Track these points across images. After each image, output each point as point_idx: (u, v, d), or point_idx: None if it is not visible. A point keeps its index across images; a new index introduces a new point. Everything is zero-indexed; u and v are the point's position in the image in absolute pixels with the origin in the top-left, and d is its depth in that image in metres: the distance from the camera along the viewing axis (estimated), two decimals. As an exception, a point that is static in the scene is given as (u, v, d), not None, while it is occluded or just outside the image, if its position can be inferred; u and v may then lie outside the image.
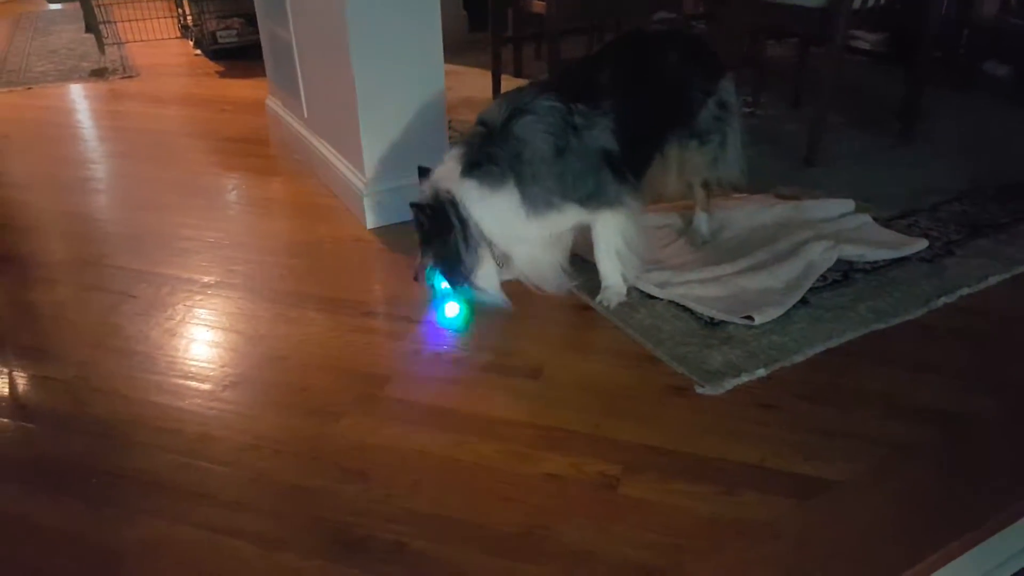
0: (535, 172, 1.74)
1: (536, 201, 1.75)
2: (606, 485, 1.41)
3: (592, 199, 1.80)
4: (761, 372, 1.65)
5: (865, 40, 3.94)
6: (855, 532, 1.29)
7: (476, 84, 3.68)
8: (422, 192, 1.81)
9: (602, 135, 1.78)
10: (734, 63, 2.77)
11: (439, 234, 1.79)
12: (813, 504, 1.34)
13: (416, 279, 1.94)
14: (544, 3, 2.87)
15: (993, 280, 1.95)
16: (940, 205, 2.36)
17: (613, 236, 1.87)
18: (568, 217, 1.82)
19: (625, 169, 1.82)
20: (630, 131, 1.80)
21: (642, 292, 1.93)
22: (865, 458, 1.44)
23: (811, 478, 1.40)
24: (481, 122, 1.80)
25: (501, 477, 1.43)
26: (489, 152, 1.75)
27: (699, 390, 1.62)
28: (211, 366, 1.77)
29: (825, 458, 1.44)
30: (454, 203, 1.76)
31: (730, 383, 1.62)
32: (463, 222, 1.76)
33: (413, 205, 1.81)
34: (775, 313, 1.80)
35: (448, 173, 1.78)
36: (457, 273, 1.82)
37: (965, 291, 1.91)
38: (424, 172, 1.84)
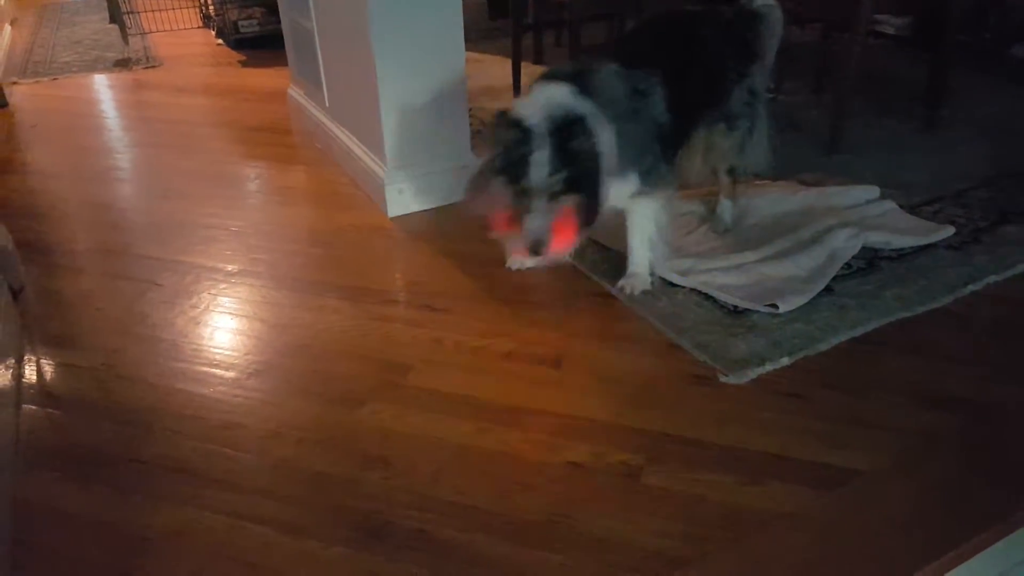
0: (620, 128, 1.64)
1: (620, 159, 1.65)
2: (628, 474, 1.41)
3: (649, 175, 1.74)
4: (785, 361, 1.64)
5: (890, 24, 3.87)
6: (878, 524, 1.28)
7: (497, 72, 3.66)
8: (520, 115, 1.57)
9: (658, 105, 1.72)
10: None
11: (573, 162, 1.56)
12: (836, 495, 1.33)
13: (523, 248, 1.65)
14: (564, -10, 2.84)
15: (1022, 268, 1.92)
16: (966, 191, 2.32)
17: (649, 221, 1.84)
18: (623, 191, 1.74)
19: (670, 148, 1.79)
20: (673, 108, 1.74)
21: (664, 280, 1.92)
22: (889, 448, 1.43)
23: (835, 468, 1.39)
24: (552, 75, 1.68)
25: (523, 466, 1.43)
26: (590, 91, 1.61)
27: (723, 379, 1.61)
28: (235, 354, 1.79)
29: (849, 448, 1.43)
30: (585, 126, 1.56)
31: (754, 372, 1.61)
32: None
33: (516, 125, 1.55)
34: (799, 301, 1.78)
35: (561, 97, 1.60)
36: (594, 212, 1.62)
37: (993, 279, 1.88)
38: (502, 115, 1.61)
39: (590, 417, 1.55)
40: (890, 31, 3.85)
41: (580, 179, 1.58)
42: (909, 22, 3.85)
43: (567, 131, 1.55)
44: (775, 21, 1.99)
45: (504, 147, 1.59)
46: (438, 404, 1.59)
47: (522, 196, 1.59)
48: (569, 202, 1.60)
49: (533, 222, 1.59)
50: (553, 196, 1.58)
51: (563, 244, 1.67)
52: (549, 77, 1.68)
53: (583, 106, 1.59)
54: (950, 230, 2.05)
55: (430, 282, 2.03)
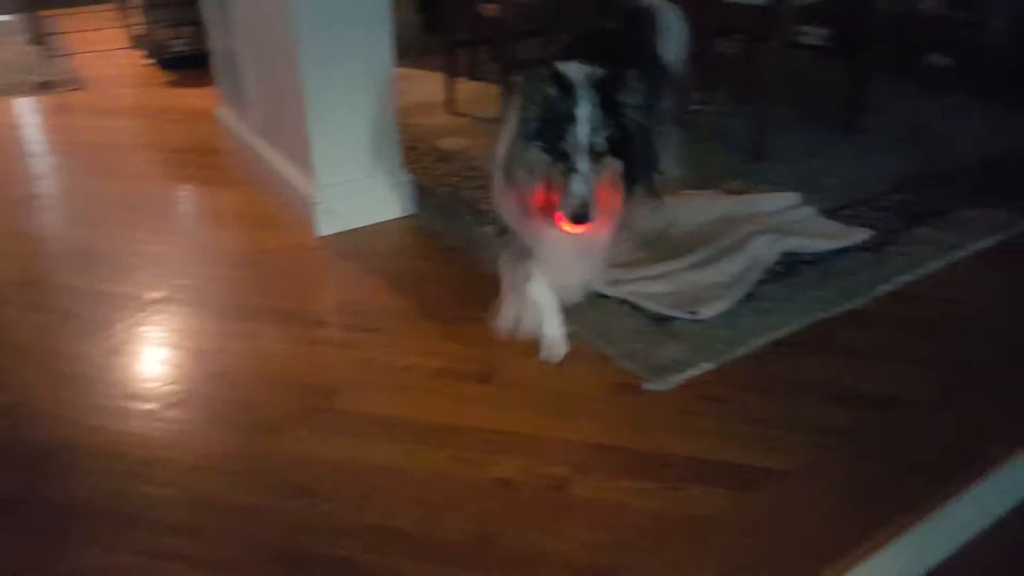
0: None
1: None
2: (555, 487, 1.41)
3: None
4: (708, 366, 1.67)
5: (812, 35, 3.99)
6: (796, 522, 1.31)
7: (431, 88, 3.66)
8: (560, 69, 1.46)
9: None
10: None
11: (621, 117, 1.46)
12: (756, 496, 1.36)
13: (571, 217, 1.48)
14: (497, 7, 2.86)
15: (932, 267, 1.99)
16: (883, 195, 2.40)
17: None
18: None
19: None
20: None
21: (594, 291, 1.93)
22: (807, 447, 1.46)
23: (755, 469, 1.41)
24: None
25: (451, 485, 1.42)
26: None
27: (646, 386, 1.63)
28: (154, 385, 1.74)
29: (769, 449, 1.45)
30: (630, 81, 1.48)
31: (677, 378, 1.63)
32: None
33: (556, 78, 1.44)
34: (721, 307, 1.81)
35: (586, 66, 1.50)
36: (647, 173, 1.57)
37: (905, 278, 1.94)
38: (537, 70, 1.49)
39: (519, 431, 1.55)
40: (812, 41, 3.96)
41: (630, 137, 1.48)
42: (830, 32, 3.98)
43: (612, 84, 1.45)
44: (669, 22, 1.97)
45: (541, 105, 1.46)
46: (365, 427, 1.57)
47: (564, 158, 1.46)
48: (616, 165, 1.50)
49: (577, 186, 1.44)
50: (599, 157, 1.47)
51: (609, 216, 1.55)
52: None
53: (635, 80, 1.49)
54: (866, 233, 2.12)
55: (359, 301, 2.01)
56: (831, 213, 2.26)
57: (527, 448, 1.50)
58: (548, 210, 1.53)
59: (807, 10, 2.63)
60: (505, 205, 1.63)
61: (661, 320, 1.82)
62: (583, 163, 1.45)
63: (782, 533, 1.30)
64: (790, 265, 2.01)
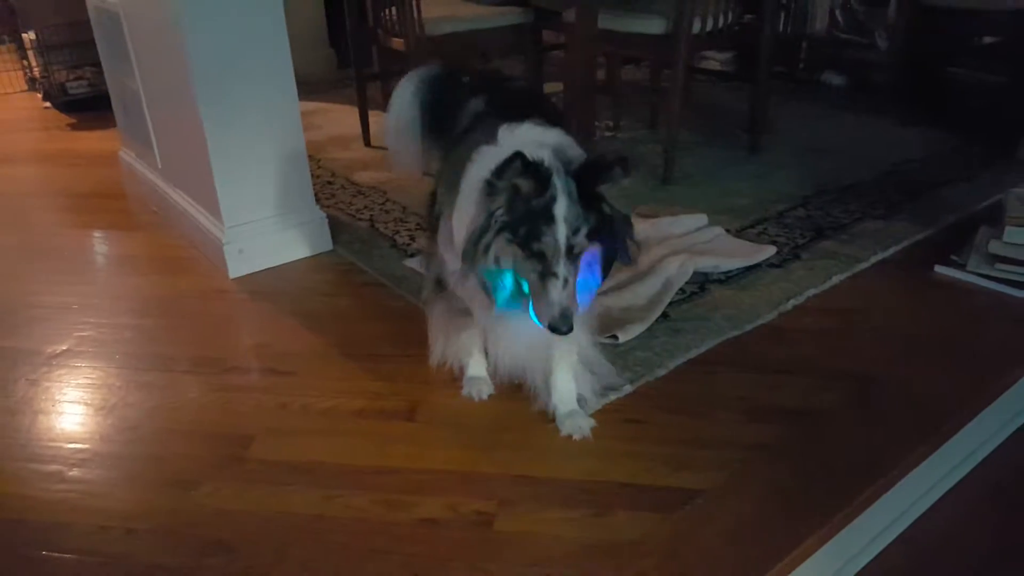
0: None
1: None
2: (482, 523, 1.39)
3: None
4: (628, 389, 1.68)
5: (715, 60, 4.16)
6: (719, 539, 1.33)
7: (345, 121, 3.64)
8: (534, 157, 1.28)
9: None
10: (591, 90, 2.87)
11: (599, 208, 1.33)
12: (679, 516, 1.37)
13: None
14: (403, 41, 2.87)
15: (836, 279, 2.08)
16: (787, 212, 2.49)
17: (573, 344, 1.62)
18: None
19: None
20: None
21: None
22: (727, 464, 1.48)
23: (678, 490, 1.43)
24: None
25: (374, 529, 1.39)
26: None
27: (568, 413, 1.63)
28: (56, 445, 1.65)
29: (690, 468, 1.48)
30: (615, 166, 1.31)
31: (598, 403, 1.64)
32: None
33: (532, 169, 1.25)
34: (638, 330, 1.84)
35: (555, 137, 1.38)
36: (623, 257, 1.40)
37: (812, 292, 2.02)
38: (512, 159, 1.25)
39: (443, 469, 1.53)
40: (716, 66, 4.13)
41: (610, 222, 1.35)
42: (731, 57, 4.15)
43: (593, 173, 1.30)
44: None
45: (512, 198, 1.29)
46: (283, 475, 1.52)
47: (539, 258, 1.30)
48: (594, 248, 1.36)
49: (555, 293, 1.29)
50: (578, 255, 1.33)
51: (586, 302, 1.44)
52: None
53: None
54: (772, 250, 2.19)
55: (274, 344, 1.96)
56: (739, 232, 2.34)
57: (453, 485, 1.48)
58: (517, 300, 1.39)
59: (707, 36, 2.73)
60: (460, 289, 1.49)
61: (581, 346, 1.83)
62: (562, 267, 1.29)
63: (707, 550, 1.31)
64: (702, 285, 2.06)
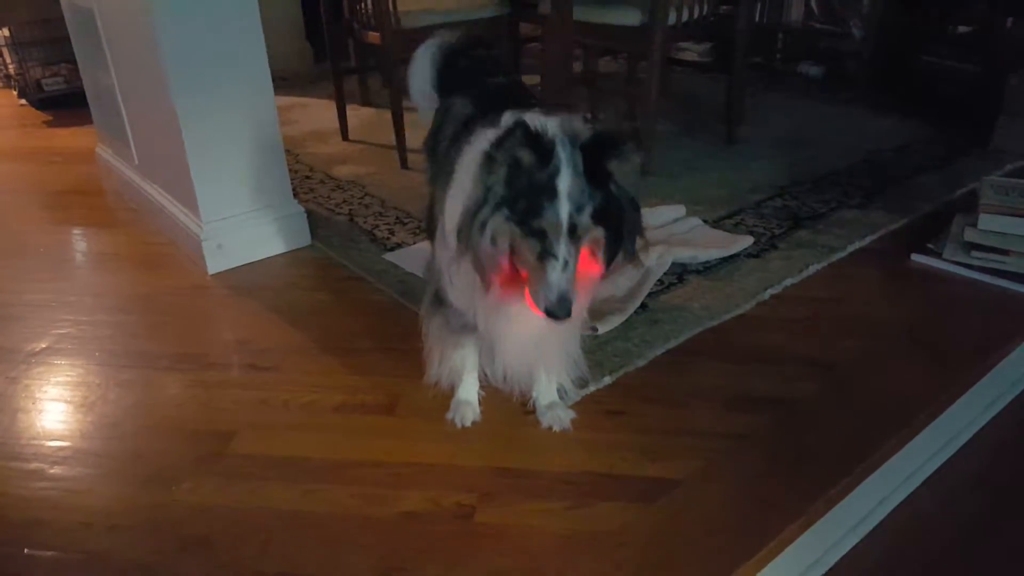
0: None
1: None
2: (463, 516, 1.40)
3: None
4: (607, 380, 1.70)
5: (692, 51, 4.17)
6: (697, 528, 1.35)
7: (323, 116, 3.63)
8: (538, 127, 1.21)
9: None
10: (568, 81, 2.87)
11: (606, 186, 1.22)
12: (658, 506, 1.39)
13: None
14: (378, 34, 2.86)
15: (813, 269, 2.10)
16: (763, 202, 2.52)
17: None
18: None
19: None
20: None
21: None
22: (705, 453, 1.50)
23: (657, 480, 1.45)
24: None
25: (355, 523, 1.40)
26: None
27: (548, 405, 1.64)
28: (37, 443, 1.64)
29: (669, 458, 1.49)
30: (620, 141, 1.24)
31: (577, 395, 1.66)
32: None
33: (535, 140, 1.18)
34: (617, 321, 1.86)
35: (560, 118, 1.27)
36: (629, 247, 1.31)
37: (789, 282, 2.04)
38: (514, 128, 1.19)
39: (424, 462, 1.53)
40: (691, 57, 4.14)
41: (618, 206, 1.24)
42: (707, 48, 4.17)
43: (601, 148, 1.20)
44: None
45: (512, 171, 1.20)
46: (263, 470, 1.52)
47: (539, 236, 1.21)
48: (598, 234, 1.25)
49: (555, 276, 1.20)
50: (581, 235, 1.22)
51: (587, 294, 1.34)
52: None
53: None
54: (749, 240, 2.21)
55: (254, 340, 1.96)
56: (716, 223, 2.36)
57: (433, 478, 1.49)
58: (513, 285, 1.30)
59: (683, 27, 2.74)
60: (454, 274, 1.39)
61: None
62: (563, 248, 1.20)
63: (686, 540, 1.33)
64: (680, 275, 2.08)
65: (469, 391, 1.65)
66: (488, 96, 1.59)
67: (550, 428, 1.59)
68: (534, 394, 1.63)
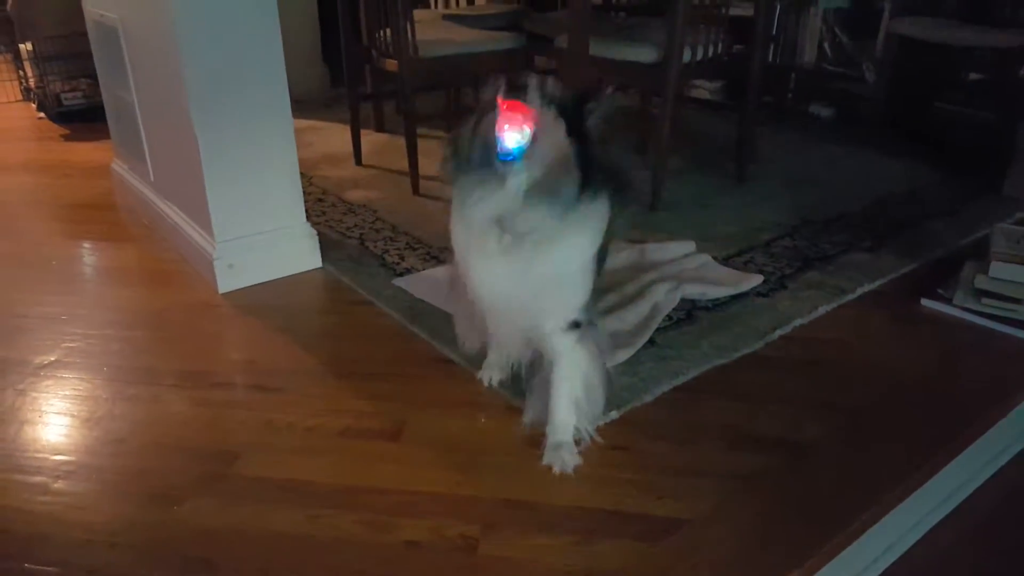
0: None
1: None
2: (466, 547, 1.39)
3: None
4: (614, 415, 1.69)
5: (705, 88, 4.22)
6: (703, 569, 1.33)
7: (337, 139, 3.66)
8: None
9: None
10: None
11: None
12: (663, 546, 1.38)
13: None
14: (396, 62, 2.90)
15: (822, 310, 2.10)
16: (773, 241, 2.52)
17: (579, 370, 1.61)
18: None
19: None
20: None
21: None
22: (711, 494, 1.49)
23: (662, 519, 1.43)
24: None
25: (358, 551, 1.39)
26: None
27: (555, 438, 1.64)
28: (42, 456, 1.64)
29: (675, 497, 1.48)
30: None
31: (594, 434, 1.63)
32: None
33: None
34: (624, 355, 1.85)
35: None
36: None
37: (798, 322, 2.04)
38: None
39: (428, 490, 1.53)
40: (706, 95, 4.18)
41: (582, 134, 1.31)
42: (719, 86, 4.21)
43: (578, 104, 1.31)
44: None
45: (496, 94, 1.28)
46: (266, 493, 1.52)
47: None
48: (562, 129, 1.29)
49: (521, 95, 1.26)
50: (548, 104, 1.27)
51: (544, 156, 1.30)
52: None
53: None
54: (759, 279, 2.21)
55: (261, 360, 1.96)
56: (726, 260, 2.36)
57: (437, 508, 1.48)
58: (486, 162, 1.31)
59: (697, 66, 2.77)
60: (455, 224, 1.53)
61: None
62: (533, 94, 1.26)
63: (689, 580, 1.32)
64: (689, 312, 2.08)
65: (497, 356, 1.79)
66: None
67: (550, 467, 1.56)
68: (548, 429, 1.60)
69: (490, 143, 1.26)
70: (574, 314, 1.50)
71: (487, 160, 1.28)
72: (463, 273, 1.52)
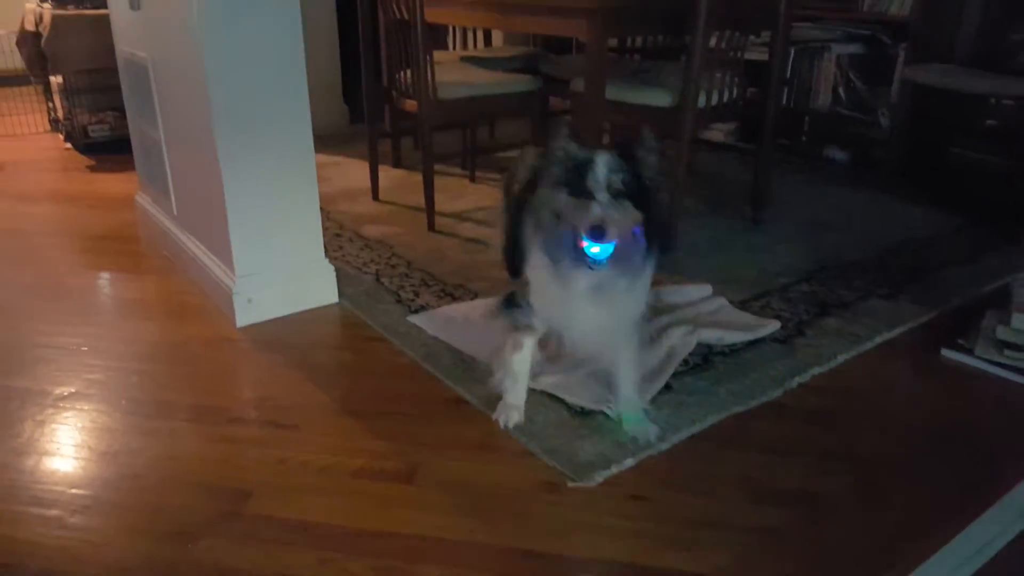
0: None
1: None
2: (479, 597, 1.38)
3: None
4: (630, 462, 1.68)
5: (719, 130, 4.25)
6: (719, 623, 1.32)
7: (356, 175, 3.71)
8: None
9: None
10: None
11: (637, 171, 1.56)
12: (679, 598, 1.36)
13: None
14: (416, 103, 2.94)
15: (841, 359, 2.08)
16: (790, 286, 2.52)
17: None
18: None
19: None
20: None
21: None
22: (730, 547, 1.47)
23: (679, 572, 1.41)
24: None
25: (369, 595, 1.38)
26: None
27: (571, 484, 1.63)
28: (58, 489, 1.65)
29: (693, 550, 1.46)
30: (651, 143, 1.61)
31: (601, 475, 1.64)
32: None
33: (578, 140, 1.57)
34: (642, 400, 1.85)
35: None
36: (660, 234, 1.66)
37: (816, 371, 2.02)
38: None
39: (441, 536, 1.52)
40: (719, 138, 4.21)
41: (645, 188, 1.56)
42: (736, 128, 4.24)
43: (629, 146, 1.57)
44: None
45: (565, 157, 1.58)
46: (279, 534, 1.51)
47: (587, 196, 1.53)
48: (635, 213, 1.55)
49: (595, 207, 1.51)
50: (616, 195, 1.53)
51: (624, 251, 1.57)
52: None
53: None
54: (776, 324, 2.21)
55: (278, 396, 1.97)
56: (742, 304, 2.36)
57: (450, 555, 1.47)
58: (574, 251, 1.58)
59: (712, 110, 2.79)
60: (530, 253, 1.72)
61: (583, 414, 1.84)
62: (602, 195, 1.52)
63: (704, 634, 1.30)
64: (705, 357, 2.07)
65: (517, 396, 1.84)
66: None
67: (634, 440, 1.74)
68: (618, 404, 1.80)
69: (577, 237, 1.54)
70: (635, 327, 1.78)
71: (575, 249, 1.56)
72: (547, 316, 1.76)
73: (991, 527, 1.66)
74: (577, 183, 1.53)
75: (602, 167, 1.52)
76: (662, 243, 1.64)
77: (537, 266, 1.69)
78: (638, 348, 1.81)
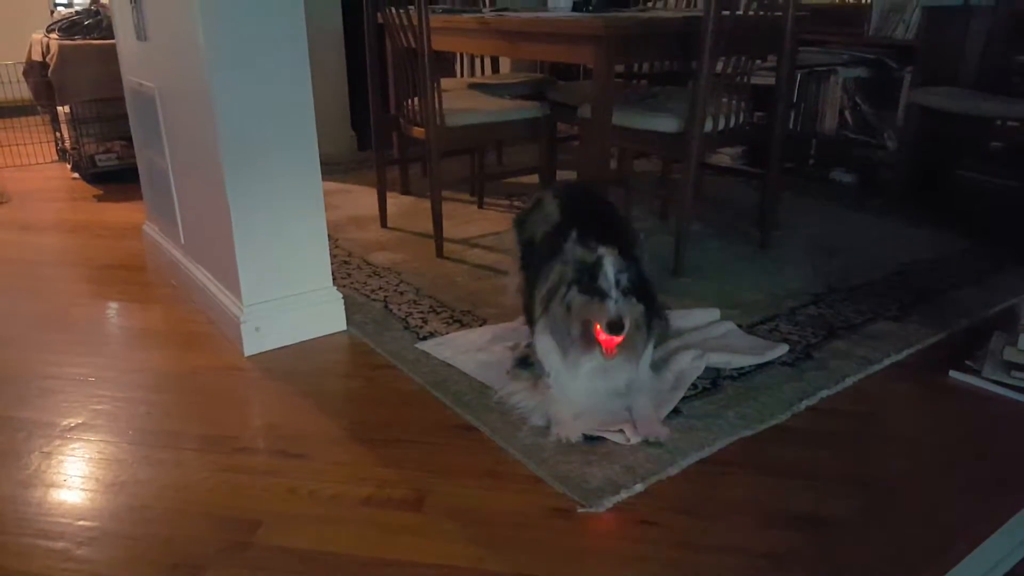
0: None
1: None
2: (488, 625, 1.37)
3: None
4: (639, 487, 1.67)
5: (726, 154, 4.26)
6: (732, 653, 1.30)
7: (364, 202, 3.73)
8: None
9: None
10: (604, 181, 2.94)
11: (636, 270, 1.82)
12: (691, 626, 1.34)
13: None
14: (424, 130, 2.97)
15: (849, 381, 2.07)
16: (798, 309, 2.51)
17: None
18: None
19: None
20: None
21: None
22: (739, 572, 1.46)
23: (689, 598, 1.40)
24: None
25: (379, 624, 1.37)
26: None
27: (581, 510, 1.62)
28: (66, 521, 1.64)
29: (702, 575, 1.45)
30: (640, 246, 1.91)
31: (610, 501, 1.63)
32: None
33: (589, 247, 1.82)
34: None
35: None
36: (655, 317, 1.89)
37: (825, 393, 2.01)
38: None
39: (450, 564, 1.50)
40: (726, 161, 4.23)
41: (644, 280, 1.82)
42: (743, 152, 4.26)
43: (626, 246, 1.84)
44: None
45: (578, 263, 1.81)
46: (287, 564, 1.50)
47: (599, 295, 1.75)
48: (638, 308, 1.79)
49: (611, 304, 1.74)
50: (626, 292, 1.76)
51: (630, 339, 1.80)
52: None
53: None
54: (784, 348, 2.20)
55: (286, 425, 1.97)
56: (750, 328, 2.35)
57: (459, 582, 1.46)
58: (587, 341, 1.81)
59: (719, 135, 2.81)
60: (545, 342, 1.90)
61: (592, 439, 1.83)
62: (615, 292, 1.75)
63: (717, 663, 1.28)
64: (714, 381, 2.07)
65: (569, 410, 1.92)
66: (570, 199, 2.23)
67: (645, 441, 1.82)
68: (635, 418, 1.88)
69: (589, 331, 1.80)
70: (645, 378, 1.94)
71: (587, 341, 1.81)
72: (558, 384, 1.91)
73: (1001, 548, 1.65)
74: (588, 283, 1.77)
75: (611, 269, 1.75)
76: (659, 324, 1.92)
77: (549, 350, 1.89)
78: (649, 379, 1.96)
